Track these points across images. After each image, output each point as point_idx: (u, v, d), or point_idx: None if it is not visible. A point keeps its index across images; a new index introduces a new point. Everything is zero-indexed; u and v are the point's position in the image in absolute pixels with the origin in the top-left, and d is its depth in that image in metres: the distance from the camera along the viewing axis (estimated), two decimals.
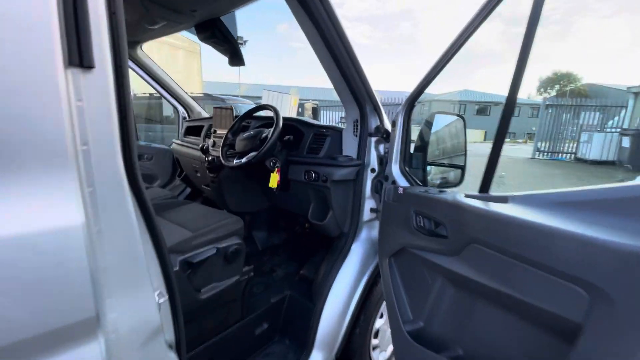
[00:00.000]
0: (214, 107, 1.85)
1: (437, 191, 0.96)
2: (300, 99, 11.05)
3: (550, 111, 10.97)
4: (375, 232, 1.38)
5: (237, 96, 8.74)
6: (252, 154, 1.38)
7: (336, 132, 1.41)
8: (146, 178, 2.48)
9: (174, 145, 2.33)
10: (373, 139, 1.29)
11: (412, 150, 1.20)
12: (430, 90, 1.05)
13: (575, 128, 10.69)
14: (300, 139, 1.50)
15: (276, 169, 1.39)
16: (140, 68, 2.16)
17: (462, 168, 1.19)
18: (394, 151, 1.17)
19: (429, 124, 1.19)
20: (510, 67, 0.73)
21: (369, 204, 1.35)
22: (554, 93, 44.99)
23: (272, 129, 1.37)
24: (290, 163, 1.47)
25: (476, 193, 0.82)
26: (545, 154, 10.95)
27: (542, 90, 47.09)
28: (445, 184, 1.25)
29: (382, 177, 1.24)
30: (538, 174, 8.26)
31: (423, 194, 0.96)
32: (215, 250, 1.09)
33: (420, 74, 1.02)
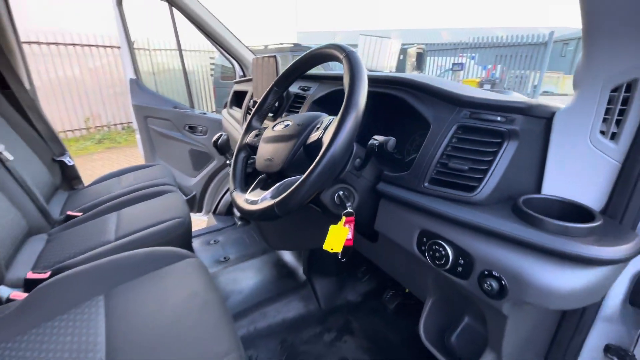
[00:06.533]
0: (254, 58, 1.12)
1: None
2: (402, 44, 9.24)
3: None
4: None
5: None
6: (286, 184, 0.57)
7: (533, 124, 0.51)
8: (199, 157, 1.98)
9: (222, 119, 1.72)
10: None
11: None
12: None
13: None
14: (419, 136, 0.69)
15: (344, 219, 0.59)
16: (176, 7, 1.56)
17: None
18: None
19: None
20: None
21: (600, 331, 0.50)
22: None
23: (340, 112, 0.51)
24: (383, 196, 0.65)
25: None
26: None
27: None
28: None
29: None
30: None
31: None
32: None
33: None
